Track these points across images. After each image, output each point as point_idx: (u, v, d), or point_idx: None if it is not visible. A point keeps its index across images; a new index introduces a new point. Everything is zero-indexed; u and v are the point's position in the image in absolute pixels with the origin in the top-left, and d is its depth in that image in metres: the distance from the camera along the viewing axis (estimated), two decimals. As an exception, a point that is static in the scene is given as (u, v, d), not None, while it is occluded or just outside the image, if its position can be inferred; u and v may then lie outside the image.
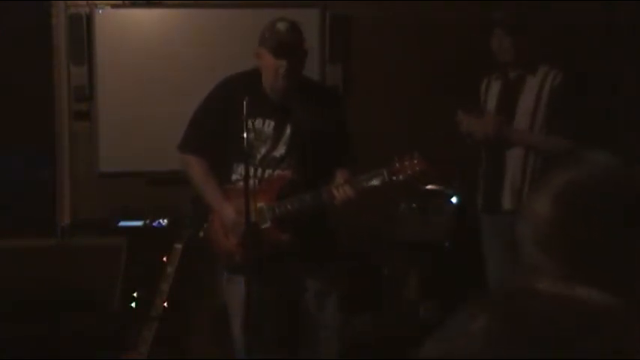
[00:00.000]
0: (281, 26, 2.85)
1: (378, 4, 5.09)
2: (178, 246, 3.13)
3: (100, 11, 4.92)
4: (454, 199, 4.51)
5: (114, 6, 4.96)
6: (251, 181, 2.92)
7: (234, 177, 2.97)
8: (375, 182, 2.78)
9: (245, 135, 2.71)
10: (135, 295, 4.05)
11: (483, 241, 3.75)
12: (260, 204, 2.86)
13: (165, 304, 3.11)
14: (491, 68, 3.74)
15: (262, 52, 2.88)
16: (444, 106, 3.75)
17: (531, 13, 3.90)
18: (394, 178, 2.76)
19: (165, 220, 4.53)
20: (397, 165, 2.75)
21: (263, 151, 2.93)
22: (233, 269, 3.03)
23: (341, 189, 2.79)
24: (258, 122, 2.94)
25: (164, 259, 3.16)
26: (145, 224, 4.57)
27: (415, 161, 2.77)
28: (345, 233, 3.58)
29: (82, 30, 4.90)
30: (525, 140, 3.56)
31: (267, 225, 2.89)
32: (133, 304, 4.03)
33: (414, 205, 4.59)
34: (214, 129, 3.01)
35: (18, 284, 4.01)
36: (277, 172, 2.93)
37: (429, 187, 4.61)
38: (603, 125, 5.00)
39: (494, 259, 3.71)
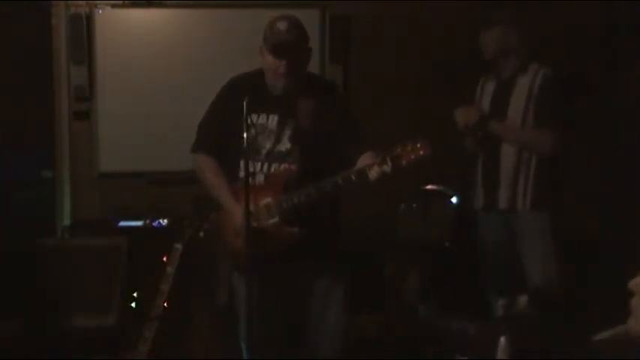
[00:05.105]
0: (280, 25, 2.86)
1: (378, 4, 5.10)
2: (178, 246, 3.13)
3: (100, 11, 4.92)
4: (454, 199, 4.51)
5: (114, 6, 4.96)
6: (258, 177, 2.94)
7: (242, 174, 2.98)
8: (382, 169, 2.73)
9: (248, 132, 2.70)
10: (135, 295, 4.05)
11: (479, 239, 3.80)
12: (267, 199, 2.86)
13: (165, 304, 3.11)
14: (488, 68, 3.76)
15: (263, 50, 2.90)
16: (443, 106, 3.76)
17: (530, 13, 3.92)
18: (397, 163, 2.71)
19: (165, 220, 4.53)
20: (399, 150, 2.73)
21: (268, 146, 2.94)
22: (242, 268, 3.02)
23: (370, 170, 2.73)
24: (262, 118, 2.96)
25: (164, 259, 3.16)
26: (145, 224, 4.57)
27: (419, 146, 2.73)
28: (345, 233, 3.58)
29: (82, 30, 4.91)
30: (502, 132, 3.59)
31: (275, 220, 2.89)
32: (133, 304, 4.04)
33: (414, 205, 4.59)
34: (222, 129, 3.01)
35: (18, 284, 4.02)
36: (283, 165, 2.93)
37: (429, 187, 4.62)
38: (603, 125, 5.01)
39: (490, 256, 3.75)
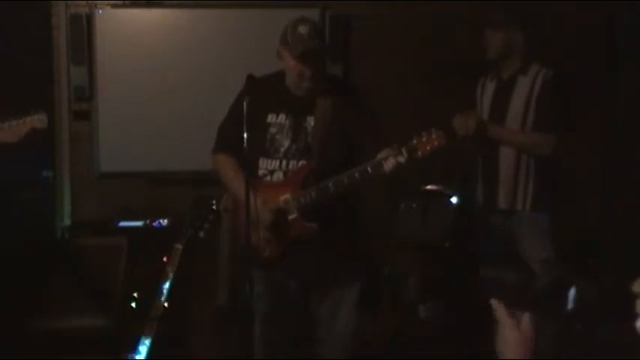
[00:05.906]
0: (303, 30, 2.87)
1: (378, 4, 5.10)
2: (178, 246, 3.13)
3: (100, 11, 4.92)
4: (454, 199, 4.51)
5: (114, 6, 4.96)
6: (277, 174, 2.98)
7: (260, 172, 3.00)
8: (398, 160, 2.74)
9: (248, 132, 2.73)
10: (135, 295, 4.05)
11: (479, 239, 3.81)
12: (286, 195, 2.90)
13: (166, 304, 3.11)
14: (488, 68, 3.75)
15: (285, 54, 2.91)
16: (443, 106, 3.76)
17: (528, 12, 3.92)
18: (413, 154, 2.73)
19: (165, 220, 4.53)
20: (415, 142, 2.74)
21: (286, 144, 2.98)
22: (259, 264, 3.03)
23: (387, 162, 2.75)
24: (281, 117, 3.00)
25: (164, 259, 3.15)
26: (145, 224, 4.57)
27: (434, 136, 2.75)
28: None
29: (82, 30, 4.90)
30: (503, 136, 3.60)
31: (294, 215, 2.92)
32: (133, 304, 4.03)
33: (414, 205, 4.59)
34: (241, 128, 3.03)
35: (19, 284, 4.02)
36: (301, 162, 2.95)
37: (429, 187, 4.62)
38: (603, 125, 5.01)
39: (489, 255, 3.75)
